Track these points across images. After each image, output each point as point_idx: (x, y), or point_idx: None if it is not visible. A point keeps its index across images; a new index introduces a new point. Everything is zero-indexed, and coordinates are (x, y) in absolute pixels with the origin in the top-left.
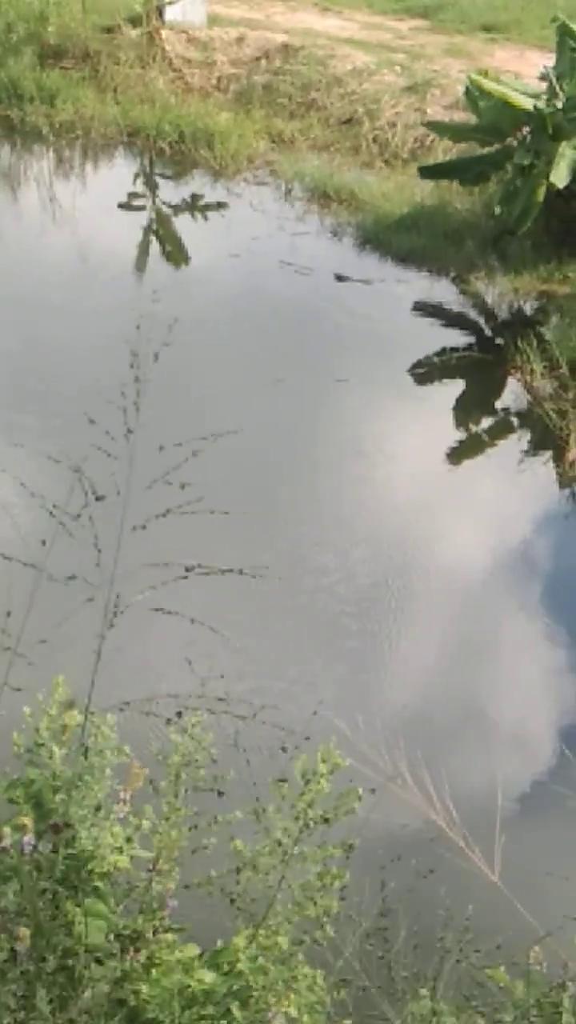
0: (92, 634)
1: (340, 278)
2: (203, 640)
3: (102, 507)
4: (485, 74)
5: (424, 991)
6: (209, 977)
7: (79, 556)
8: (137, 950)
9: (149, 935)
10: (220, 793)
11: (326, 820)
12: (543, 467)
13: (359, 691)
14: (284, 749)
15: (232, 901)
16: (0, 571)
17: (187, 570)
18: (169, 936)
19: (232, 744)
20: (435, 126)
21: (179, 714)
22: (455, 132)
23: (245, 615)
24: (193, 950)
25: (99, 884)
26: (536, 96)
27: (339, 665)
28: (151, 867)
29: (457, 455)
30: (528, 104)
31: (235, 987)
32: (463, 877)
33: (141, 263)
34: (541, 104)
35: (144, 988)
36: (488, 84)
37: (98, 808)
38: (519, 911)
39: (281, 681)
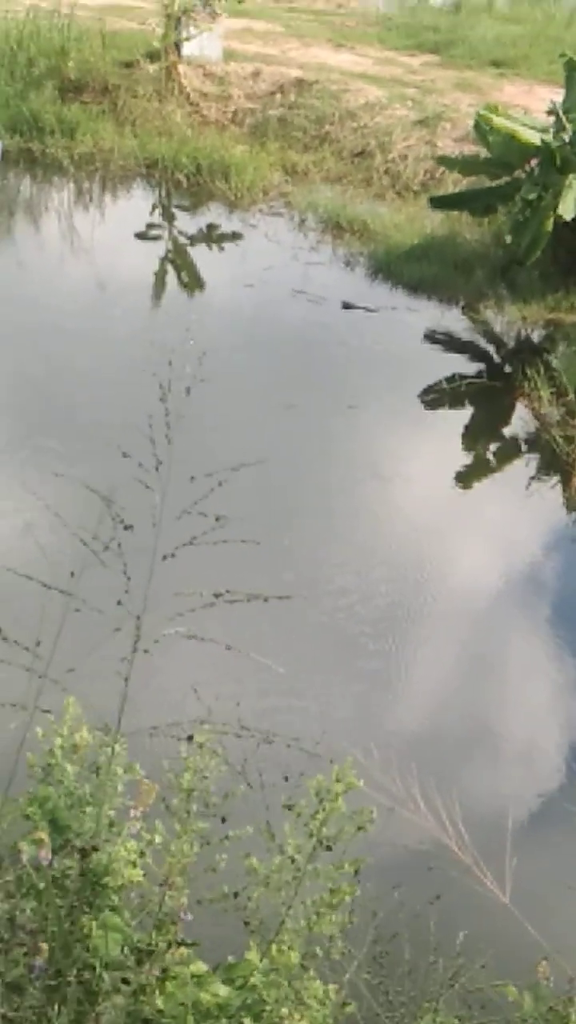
0: (121, 659)
1: (347, 306)
2: (221, 664)
3: (131, 537)
4: (495, 109)
5: (428, 1004)
6: (223, 991)
7: (109, 584)
8: (152, 964)
9: (163, 949)
10: (223, 819)
11: (339, 839)
12: (551, 492)
13: (372, 715)
14: (287, 778)
15: (246, 923)
16: (33, 598)
17: (216, 596)
18: (184, 951)
19: (240, 769)
20: (445, 161)
21: (190, 738)
22: (465, 166)
23: (271, 639)
24: (200, 967)
25: (114, 898)
26: (544, 130)
27: (355, 687)
28: (163, 882)
29: (467, 480)
30: (536, 138)
31: (248, 1001)
32: (474, 898)
33: (158, 292)
34: (549, 138)
35: (159, 1002)
36: (497, 120)
37: (111, 824)
38: (529, 931)
39: (295, 702)
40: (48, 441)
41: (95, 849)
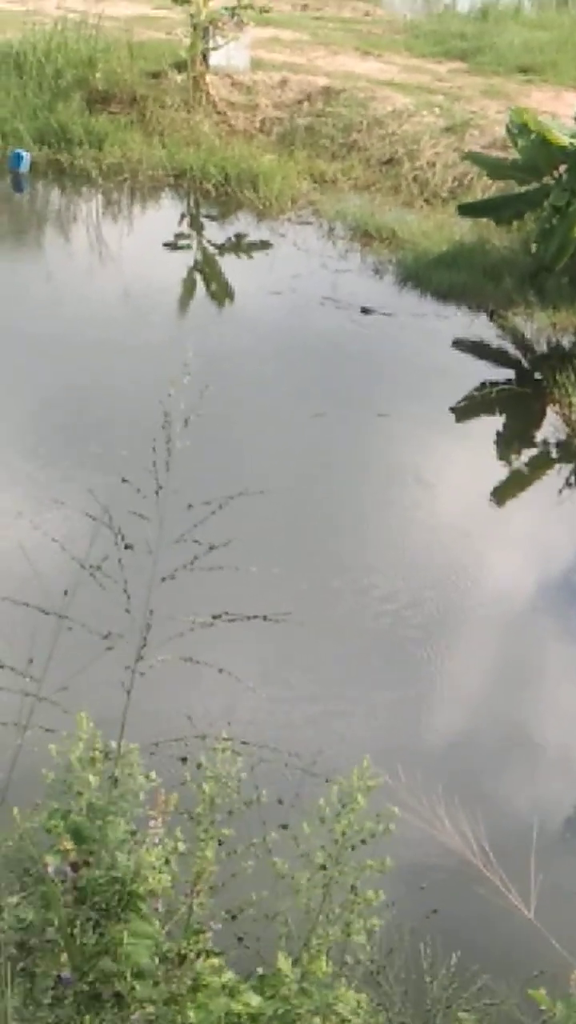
0: (124, 679)
1: (365, 311)
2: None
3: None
4: (523, 114)
5: (465, 1016)
6: (255, 1001)
7: (118, 603)
8: (183, 973)
9: (192, 957)
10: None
11: (363, 842)
12: None
13: (398, 732)
14: (281, 802)
15: (266, 938)
16: (31, 619)
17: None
18: (215, 960)
19: (256, 783)
20: (475, 157)
21: (184, 759)
22: (493, 166)
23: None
24: (231, 977)
25: (142, 906)
26: (573, 135)
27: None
28: (190, 890)
29: (499, 488)
30: (566, 141)
31: (280, 1011)
32: (500, 916)
33: (186, 301)
34: None
35: (191, 1012)
36: (529, 117)
37: (134, 832)
38: (555, 946)
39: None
40: (91, 446)
41: (87, 864)
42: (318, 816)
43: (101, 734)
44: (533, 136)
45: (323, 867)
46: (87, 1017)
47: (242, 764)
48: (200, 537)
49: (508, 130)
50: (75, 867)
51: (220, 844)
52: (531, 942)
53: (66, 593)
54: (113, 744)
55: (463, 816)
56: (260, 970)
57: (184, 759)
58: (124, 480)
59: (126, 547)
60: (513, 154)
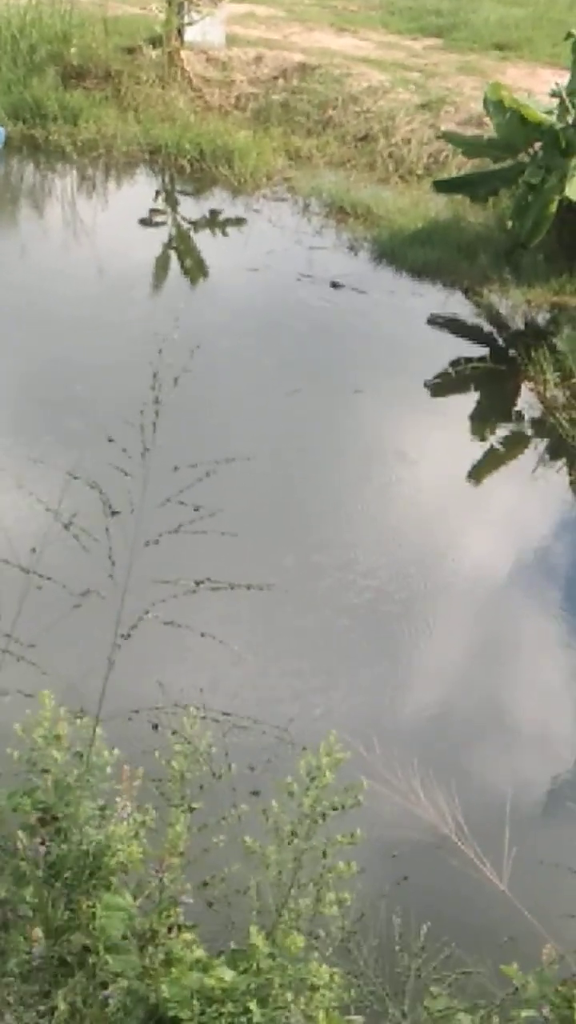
0: (105, 644)
1: (335, 285)
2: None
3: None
4: (501, 95)
5: (436, 990)
6: (228, 975)
7: (111, 569)
8: (155, 947)
9: (164, 931)
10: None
11: (335, 808)
12: (556, 475)
13: (373, 707)
14: (252, 768)
15: (238, 912)
16: (12, 581)
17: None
18: (188, 935)
19: (228, 752)
20: (450, 137)
21: (154, 725)
22: (469, 145)
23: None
24: (202, 953)
25: (113, 879)
26: (548, 112)
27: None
28: (159, 866)
29: (472, 464)
30: (542, 117)
31: (253, 985)
32: (474, 888)
33: (161, 277)
34: (553, 120)
35: (164, 987)
36: (506, 94)
37: (103, 807)
38: (527, 918)
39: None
40: (69, 420)
41: (55, 818)
42: (286, 791)
43: (66, 708)
44: (509, 114)
45: (293, 835)
46: (60, 991)
47: (215, 732)
48: (178, 508)
49: (485, 106)
50: (43, 822)
51: (192, 812)
52: (504, 912)
53: (34, 550)
54: (81, 717)
55: (437, 788)
56: (233, 944)
57: (155, 726)
58: (110, 440)
59: (113, 513)
60: (488, 131)
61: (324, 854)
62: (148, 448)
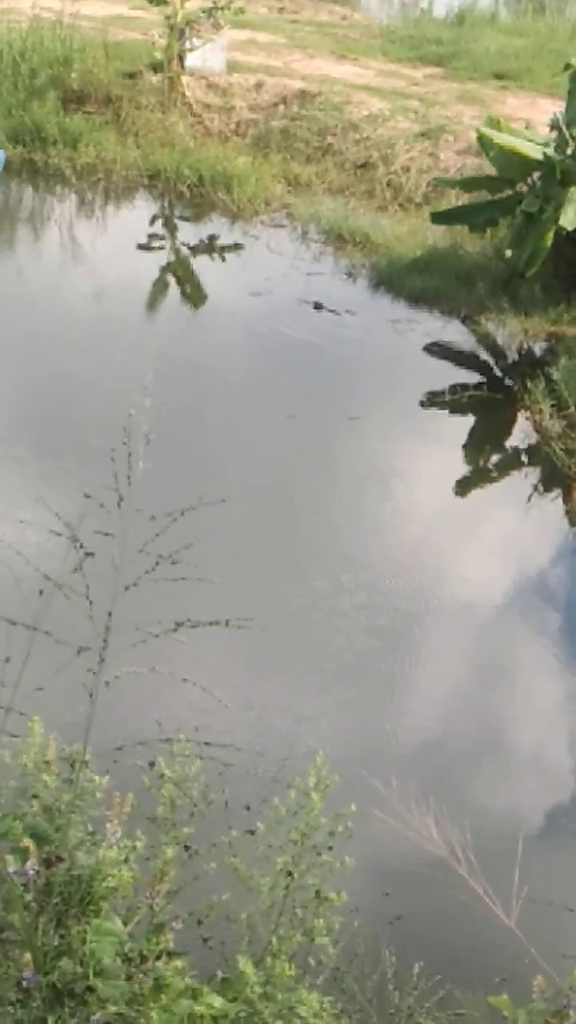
0: (90, 686)
1: (318, 307)
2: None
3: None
4: (496, 123)
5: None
6: (218, 1002)
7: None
8: (145, 972)
9: (154, 958)
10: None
11: (323, 852)
12: (551, 505)
13: (388, 742)
14: (248, 808)
15: (228, 940)
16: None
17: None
18: (178, 963)
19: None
20: (444, 182)
21: (151, 764)
22: (465, 184)
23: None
24: (191, 982)
25: (104, 904)
26: (546, 144)
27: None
28: (149, 892)
29: (469, 494)
30: (536, 153)
31: (243, 1014)
32: (479, 922)
33: (158, 302)
34: (551, 151)
35: (154, 1014)
36: (498, 137)
37: (93, 832)
38: (532, 953)
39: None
40: (63, 443)
41: (59, 859)
42: (275, 819)
43: (59, 739)
44: (504, 150)
45: (289, 874)
46: (51, 1017)
47: (209, 770)
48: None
49: (480, 141)
50: (48, 863)
51: (186, 849)
52: (512, 950)
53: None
54: (70, 749)
55: (427, 812)
56: (220, 973)
57: (152, 764)
58: (86, 495)
59: (87, 555)
60: (485, 162)
61: (317, 894)
62: (124, 497)
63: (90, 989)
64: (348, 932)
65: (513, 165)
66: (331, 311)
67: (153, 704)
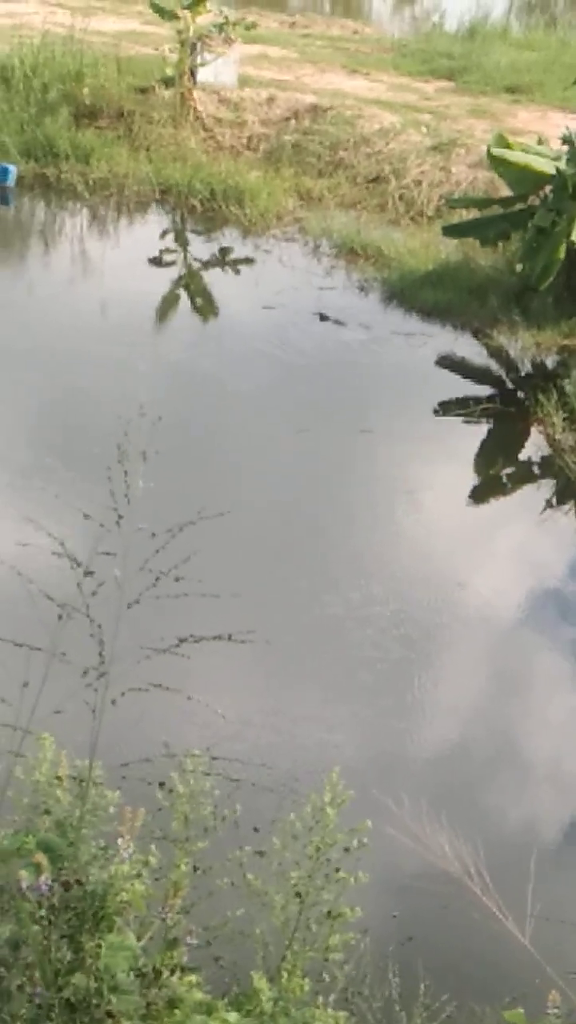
0: (98, 706)
1: (323, 317)
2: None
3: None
4: (504, 141)
5: None
6: (233, 1018)
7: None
8: (159, 988)
9: (168, 973)
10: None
11: (337, 868)
12: (564, 518)
13: (398, 758)
14: (256, 830)
15: (242, 956)
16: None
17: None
18: (192, 978)
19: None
20: (457, 202)
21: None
22: (478, 204)
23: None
24: (204, 996)
25: (117, 919)
26: (557, 158)
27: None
28: (163, 906)
29: (481, 507)
30: (548, 168)
31: None
32: (494, 939)
33: (170, 316)
34: (562, 165)
35: None
36: (510, 155)
37: (105, 847)
38: (548, 971)
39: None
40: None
41: (79, 883)
42: (290, 834)
43: (67, 754)
44: (516, 167)
45: (297, 895)
46: None
47: (221, 789)
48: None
49: (490, 159)
50: (67, 886)
51: (196, 869)
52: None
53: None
54: (81, 765)
55: (461, 841)
56: (235, 989)
57: (162, 784)
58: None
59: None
60: (496, 176)
61: (328, 913)
62: (122, 514)
63: (107, 1013)
64: (361, 949)
65: (525, 180)
66: (336, 322)
67: (159, 720)
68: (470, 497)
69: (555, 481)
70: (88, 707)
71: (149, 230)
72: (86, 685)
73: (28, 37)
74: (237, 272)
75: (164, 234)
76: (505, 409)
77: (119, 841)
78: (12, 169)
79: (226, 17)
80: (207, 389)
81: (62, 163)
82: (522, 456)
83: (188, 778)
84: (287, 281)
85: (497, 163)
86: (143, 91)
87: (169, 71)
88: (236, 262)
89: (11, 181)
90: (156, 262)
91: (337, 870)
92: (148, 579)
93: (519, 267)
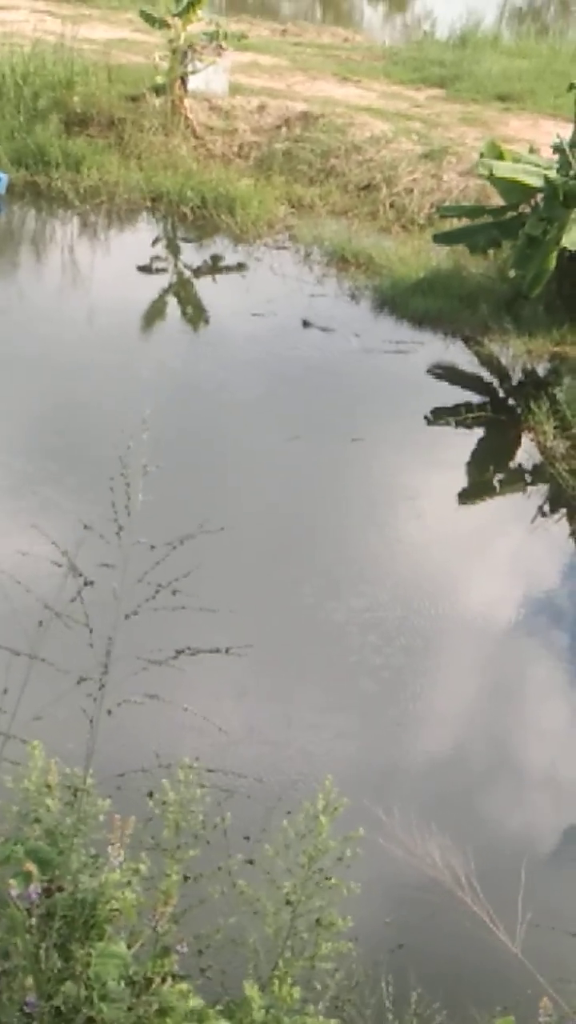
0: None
1: (306, 324)
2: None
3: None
4: (496, 149)
5: None
6: None
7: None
8: (150, 996)
9: (158, 981)
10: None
11: (327, 878)
12: (556, 526)
13: (389, 769)
14: (247, 838)
15: (232, 964)
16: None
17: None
18: (183, 986)
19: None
20: (448, 211)
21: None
22: (468, 213)
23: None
24: (198, 1002)
25: (107, 927)
26: (548, 167)
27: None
28: (153, 914)
29: (472, 514)
30: (538, 180)
31: None
32: (486, 949)
33: (160, 324)
34: (553, 173)
35: None
36: (498, 168)
37: (96, 856)
38: (538, 980)
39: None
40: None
41: (60, 889)
42: (283, 843)
43: (59, 763)
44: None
45: (288, 903)
46: None
47: (211, 798)
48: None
49: (481, 171)
50: (48, 892)
51: (186, 878)
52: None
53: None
54: (73, 774)
55: (452, 851)
56: (227, 997)
57: (151, 793)
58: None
59: (86, 583)
60: (487, 184)
61: (318, 922)
62: (122, 526)
63: (91, 1016)
64: (353, 958)
65: (516, 190)
66: (321, 328)
67: (154, 731)
68: (461, 505)
69: (546, 488)
70: (81, 716)
71: (140, 238)
72: (87, 695)
73: (18, 45)
74: (227, 280)
75: (155, 242)
76: (496, 416)
77: (109, 849)
78: (3, 177)
79: (217, 26)
80: (197, 397)
81: (53, 171)
82: (513, 463)
83: (179, 787)
84: (278, 289)
85: (489, 177)
86: (134, 99)
87: (160, 79)
88: (227, 270)
89: (1, 189)
90: (147, 270)
91: (328, 878)
92: (145, 591)
93: (511, 274)
